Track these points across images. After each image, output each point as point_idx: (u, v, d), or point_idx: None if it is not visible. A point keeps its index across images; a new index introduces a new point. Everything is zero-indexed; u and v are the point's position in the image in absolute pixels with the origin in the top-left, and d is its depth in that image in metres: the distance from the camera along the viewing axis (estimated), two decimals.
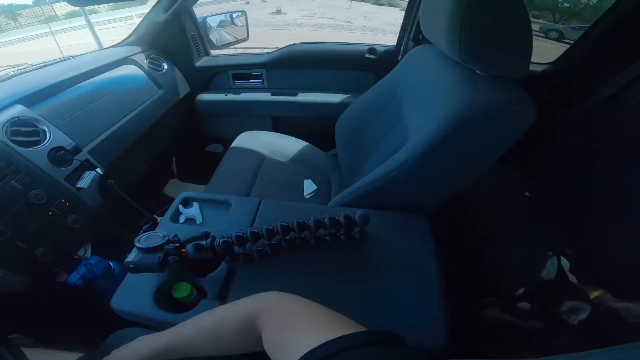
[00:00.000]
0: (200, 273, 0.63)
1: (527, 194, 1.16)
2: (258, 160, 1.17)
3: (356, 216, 0.62)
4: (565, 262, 0.92)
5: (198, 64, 1.45)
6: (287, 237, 0.62)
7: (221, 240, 0.59)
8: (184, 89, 1.42)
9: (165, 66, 1.36)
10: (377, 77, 1.32)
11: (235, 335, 0.38)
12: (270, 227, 0.60)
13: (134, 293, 0.58)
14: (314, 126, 1.36)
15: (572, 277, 0.88)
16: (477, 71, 0.64)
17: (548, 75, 1.16)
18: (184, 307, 0.57)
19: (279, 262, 0.63)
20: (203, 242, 0.58)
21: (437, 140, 0.57)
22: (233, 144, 1.23)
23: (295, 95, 1.39)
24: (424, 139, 0.60)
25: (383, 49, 1.34)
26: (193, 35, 1.41)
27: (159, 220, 0.77)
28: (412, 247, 0.65)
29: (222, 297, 0.58)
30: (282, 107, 1.41)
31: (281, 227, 0.59)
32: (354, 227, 0.64)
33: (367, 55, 1.34)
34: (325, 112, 1.35)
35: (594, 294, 0.76)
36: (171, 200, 0.79)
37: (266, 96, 1.41)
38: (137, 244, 0.57)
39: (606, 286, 0.83)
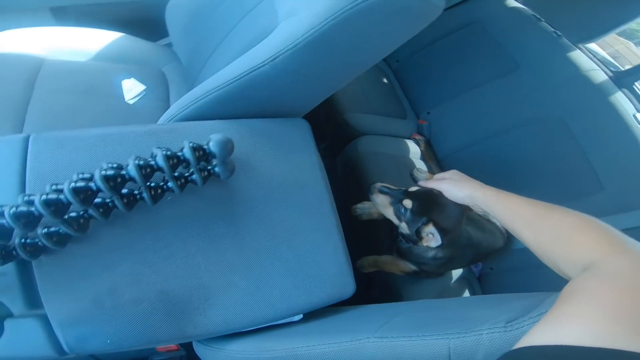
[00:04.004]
0: None
1: (385, 80, 1.16)
2: (31, 65, 0.70)
3: (210, 145, 0.41)
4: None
5: None
6: (99, 200, 0.37)
7: None
8: None
9: None
10: None
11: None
12: (52, 198, 0.33)
13: None
14: (129, 14, 0.95)
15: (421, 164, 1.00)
16: None
17: None
18: None
19: (101, 234, 0.40)
20: None
21: (325, 29, 0.41)
22: None
23: None
24: (307, 26, 0.42)
25: None
26: None
27: None
28: (295, 166, 0.52)
29: (35, 306, 0.39)
30: None
31: (73, 193, 0.33)
32: (211, 159, 0.43)
33: None
34: None
35: None
36: None
37: None
38: None
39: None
